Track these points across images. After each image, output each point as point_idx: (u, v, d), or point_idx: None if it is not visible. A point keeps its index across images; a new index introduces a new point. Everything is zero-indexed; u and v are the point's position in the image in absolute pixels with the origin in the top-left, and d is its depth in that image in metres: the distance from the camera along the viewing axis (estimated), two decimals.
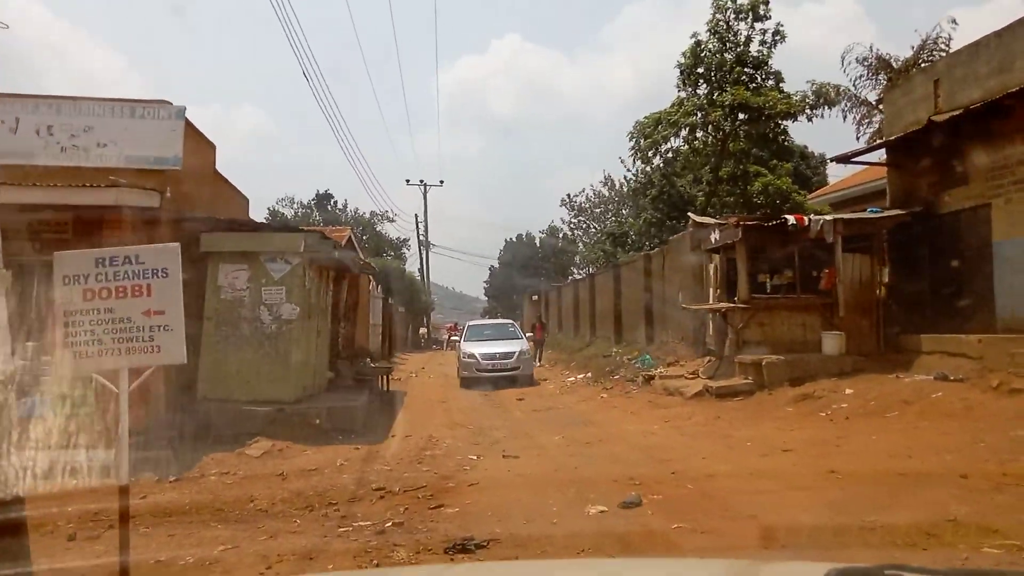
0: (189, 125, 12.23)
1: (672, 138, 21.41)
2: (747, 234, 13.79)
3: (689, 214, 17.49)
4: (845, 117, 25.38)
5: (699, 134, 21.50)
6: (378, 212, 54.19)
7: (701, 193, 23.36)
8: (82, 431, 8.89)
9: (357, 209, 55.60)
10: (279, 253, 11.46)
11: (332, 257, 12.16)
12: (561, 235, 51.79)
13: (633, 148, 21.94)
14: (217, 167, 13.86)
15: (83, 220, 10.29)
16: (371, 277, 27.51)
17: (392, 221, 55.82)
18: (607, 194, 44.71)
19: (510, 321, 24.89)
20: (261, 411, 10.83)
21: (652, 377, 15.33)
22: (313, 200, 52.74)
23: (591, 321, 26.13)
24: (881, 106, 29.86)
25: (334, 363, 14.66)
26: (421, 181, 51.64)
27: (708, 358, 15.31)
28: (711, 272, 15.50)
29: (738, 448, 9.58)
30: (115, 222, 10.16)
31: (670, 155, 22.18)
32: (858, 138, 30.58)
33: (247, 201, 15.61)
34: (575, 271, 48.37)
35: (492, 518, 6.76)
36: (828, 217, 13.84)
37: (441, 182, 57.56)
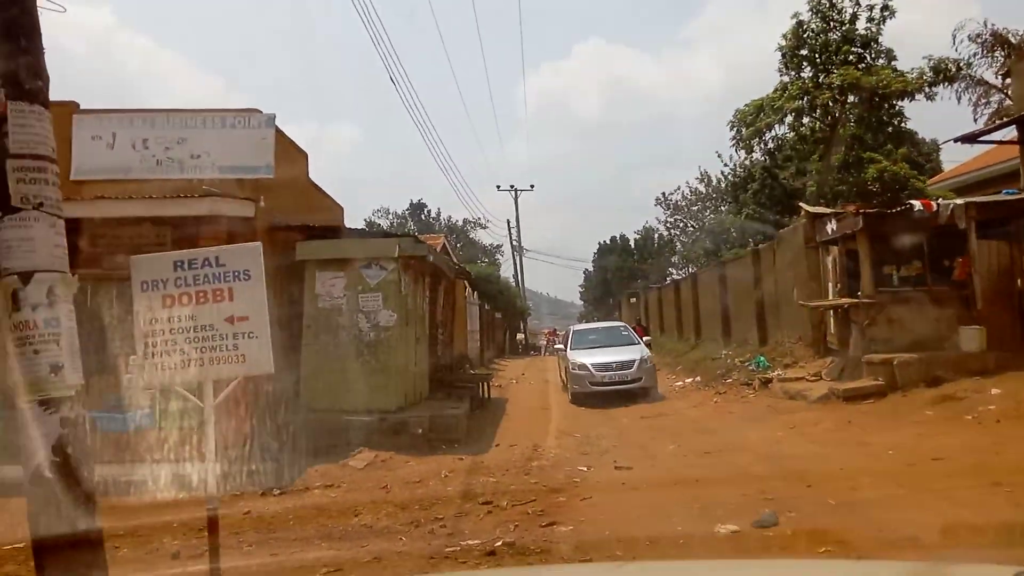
0: (280, 134, 12.14)
1: (776, 125, 20.17)
2: (869, 223, 12.65)
3: (801, 204, 16.35)
4: (959, 99, 23.49)
5: (805, 120, 20.17)
6: (471, 219, 54.40)
7: (809, 184, 21.94)
8: (188, 443, 8.80)
9: (450, 217, 56.02)
10: (374, 259, 11.18)
11: (427, 261, 11.82)
12: (656, 235, 50.50)
13: (734, 138, 20.81)
14: (310, 176, 13.78)
15: (181, 232, 10.26)
16: (467, 283, 27.32)
17: (485, 228, 55.87)
18: (704, 191, 43.23)
19: (621, 323, 20.96)
20: (363, 421, 10.55)
21: (769, 380, 14.31)
22: (407, 210, 53.43)
23: (696, 322, 25.04)
24: (1005, 82, 27.63)
25: (433, 370, 14.33)
26: (512, 186, 51.53)
27: (830, 358, 14.17)
28: (829, 266, 14.37)
29: (879, 457, 8.60)
30: (211, 233, 10.08)
31: (774, 144, 20.82)
32: (976, 120, 28.34)
33: (342, 209, 15.53)
34: (673, 271, 47.04)
35: (611, 539, 6.14)
36: (959, 201, 12.55)
37: (532, 186, 57.34)
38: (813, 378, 13.51)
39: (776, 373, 14.55)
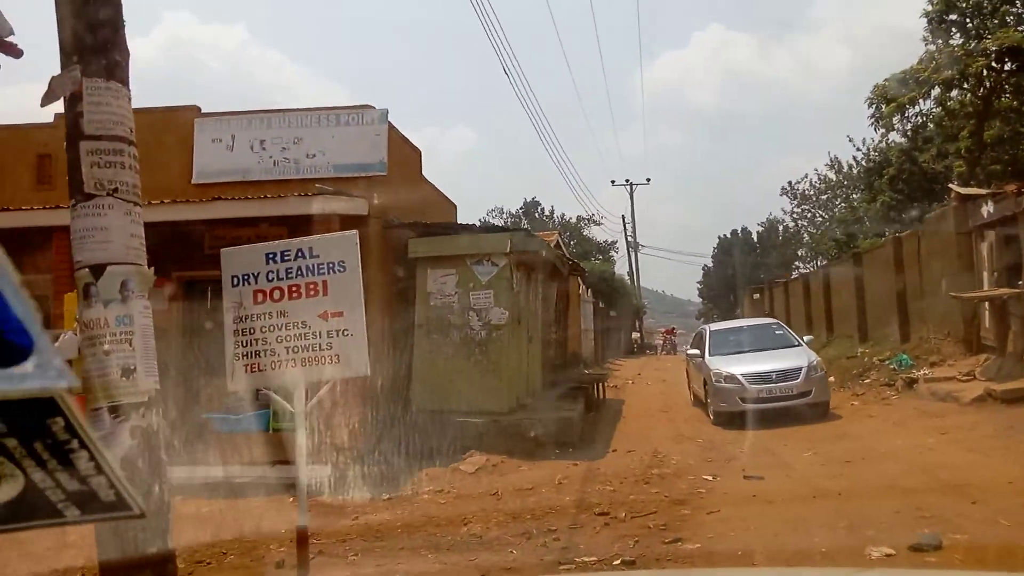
0: (393, 130, 12.03)
1: (920, 100, 18.40)
2: None
3: (951, 186, 14.82)
4: None
5: (954, 92, 18.34)
6: (584, 216, 53.62)
7: (957, 164, 20.01)
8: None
9: (564, 214, 55.43)
10: (485, 255, 10.85)
11: (540, 257, 11.39)
12: (782, 227, 48.18)
13: (873, 115, 19.13)
14: (424, 174, 13.64)
15: (296, 232, 10.27)
16: (580, 280, 26.77)
17: (599, 224, 54.96)
18: (834, 178, 40.75)
19: (774, 320, 16.69)
20: (474, 423, 10.23)
21: (914, 380, 13.01)
22: (521, 208, 53.36)
23: (827, 318, 23.41)
24: None
25: (546, 370, 13.90)
26: (627, 180, 50.50)
27: (984, 356, 12.73)
28: (984, 253, 12.91)
29: None
30: (325, 230, 10.03)
31: (919, 121, 19.00)
32: None
33: (455, 207, 15.36)
34: (800, 265, 44.71)
35: (744, 560, 5.49)
36: None
37: (648, 180, 55.62)
38: (965, 378, 12.15)
39: (922, 372, 13.22)
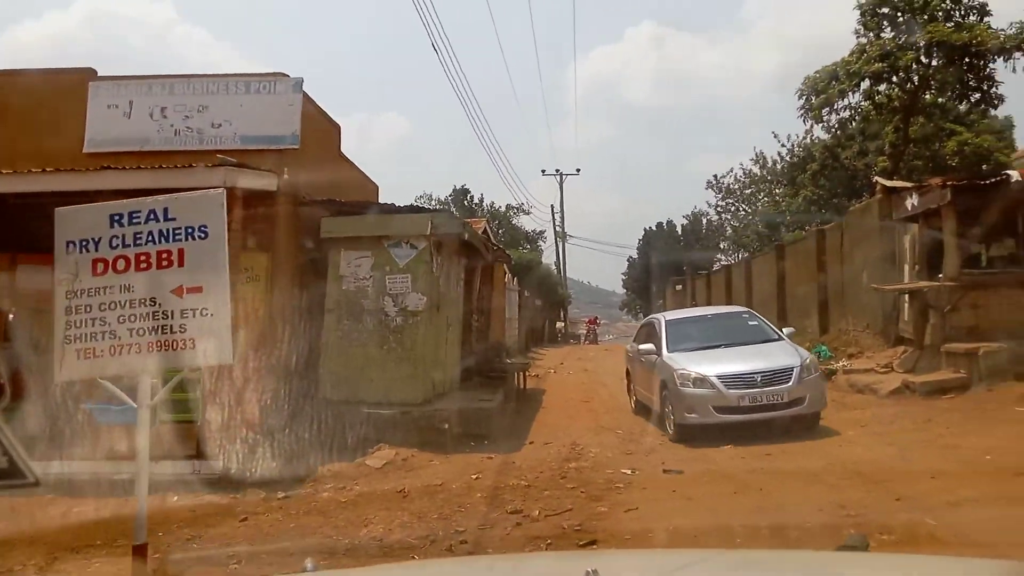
0: (310, 102, 11.28)
1: (850, 93, 18.50)
2: (957, 197, 11.29)
3: (877, 179, 14.91)
4: None
5: (882, 87, 18.52)
6: (514, 205, 53.23)
7: (881, 159, 20.30)
8: (183, 438, 8.01)
9: (493, 203, 54.90)
10: (404, 237, 10.24)
11: (462, 240, 10.83)
12: (706, 220, 48.78)
13: (803, 107, 19.17)
14: (342, 150, 12.90)
15: None
16: (506, 268, 26.33)
17: (528, 213, 54.63)
18: (759, 173, 41.31)
19: (744, 308, 13.68)
20: (385, 414, 9.64)
21: (833, 372, 13.03)
22: (450, 196, 52.51)
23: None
24: None
25: (466, 359, 13.38)
26: (557, 170, 50.43)
27: (903, 348, 12.84)
28: (906, 246, 13.00)
29: (975, 464, 7.38)
30: (228, 207, 9.23)
31: (848, 114, 19.16)
32: None
33: (376, 188, 14.65)
34: (722, 258, 45.31)
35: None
36: None
37: (578, 170, 55.52)
38: (883, 370, 12.22)
39: (841, 364, 13.27)
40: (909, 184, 12.92)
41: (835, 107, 18.85)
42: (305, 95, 11.19)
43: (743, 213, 43.23)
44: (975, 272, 11.57)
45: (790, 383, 9.40)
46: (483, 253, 12.74)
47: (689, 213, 54.95)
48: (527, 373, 16.11)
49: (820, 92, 18.43)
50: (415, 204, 10.36)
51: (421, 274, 10.17)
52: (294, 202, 10.32)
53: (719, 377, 9.54)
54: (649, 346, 11.06)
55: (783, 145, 36.61)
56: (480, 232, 24.07)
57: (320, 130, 11.79)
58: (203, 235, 3.23)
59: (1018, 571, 1.90)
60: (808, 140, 34.48)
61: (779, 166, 38.77)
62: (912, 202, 12.46)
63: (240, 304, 9.01)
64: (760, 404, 9.38)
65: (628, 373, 13.10)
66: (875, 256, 13.87)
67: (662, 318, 12.07)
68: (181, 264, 3.18)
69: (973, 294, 11.52)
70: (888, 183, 13.71)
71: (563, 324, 50.78)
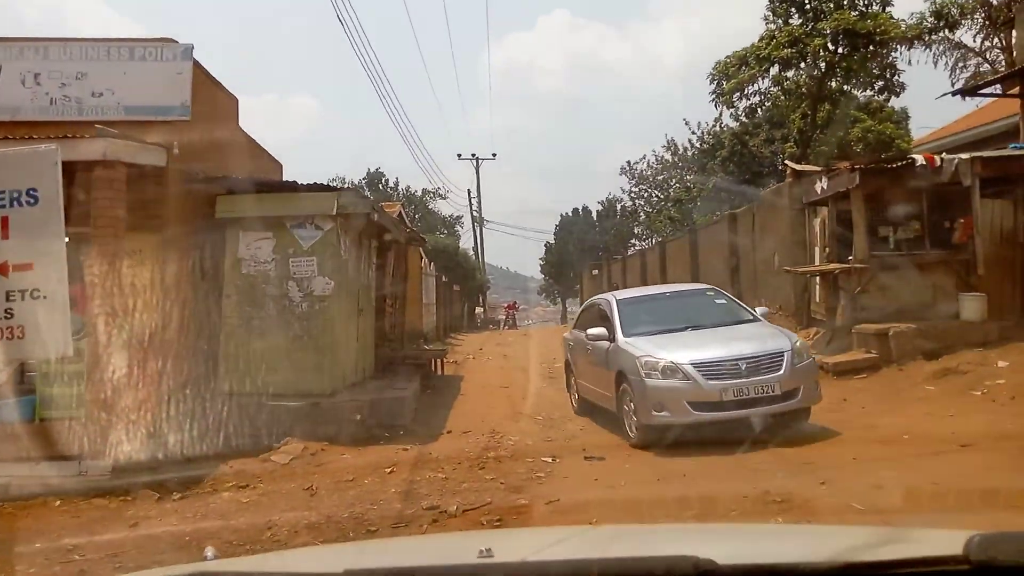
0: (203, 72, 10.49)
1: (760, 79, 18.72)
2: (865, 180, 11.44)
3: (787, 163, 15.11)
4: (936, 63, 22.41)
5: (790, 73, 18.83)
6: (430, 190, 52.50)
7: (788, 145, 20.70)
8: (66, 436, 7.26)
9: (409, 187, 54.01)
10: (308, 217, 9.62)
11: (373, 221, 10.27)
12: (620, 206, 49.24)
13: (714, 92, 19.32)
14: (241, 126, 12.10)
15: (73, 182, 8.62)
16: (423, 253, 25.76)
17: (444, 198, 54.00)
18: (670, 159, 41.97)
19: (707, 286, 11.52)
20: (292, 406, 9.05)
21: None
22: (364, 179, 51.30)
23: None
24: (982, 46, 26.74)
25: (381, 346, 12.85)
26: (473, 155, 49.94)
27: (815, 329, 13.03)
28: (816, 229, 13.17)
29: (895, 443, 7.41)
30: (108, 182, 8.42)
31: (758, 99, 19.41)
32: (952, 84, 27.57)
33: (280, 166, 13.87)
34: (636, 243, 45.90)
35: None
36: (964, 156, 11.37)
37: (494, 155, 55.43)
38: None
39: None
40: (818, 168, 13.07)
41: (745, 92, 19.08)
42: (198, 65, 10.42)
43: (655, 199, 43.88)
44: (883, 254, 11.77)
45: (781, 371, 7.80)
46: (396, 235, 12.21)
47: (604, 199, 55.43)
48: (445, 360, 15.65)
49: (731, 77, 18.60)
50: (321, 183, 9.72)
51: (328, 257, 9.59)
52: (186, 179, 9.53)
53: (695, 365, 7.85)
54: (599, 330, 9.25)
55: (693, 132, 37.43)
56: (395, 216, 23.46)
57: (215, 102, 10.99)
58: (32, 200, 2.68)
59: (892, 536, 1.98)
60: (718, 127, 35.44)
61: (690, 153, 39.56)
62: (822, 186, 12.59)
63: (128, 290, 8.29)
64: (746, 398, 7.71)
65: (568, 365, 11.13)
66: (786, 239, 14.03)
67: (611, 298, 10.07)
68: (5, 236, 2.61)
69: (882, 276, 11.73)
70: (798, 167, 13.87)
71: (482, 309, 50.55)
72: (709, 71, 18.99)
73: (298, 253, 9.58)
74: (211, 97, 10.90)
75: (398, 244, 14.16)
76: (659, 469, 7.16)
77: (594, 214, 57.13)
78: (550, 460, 7.74)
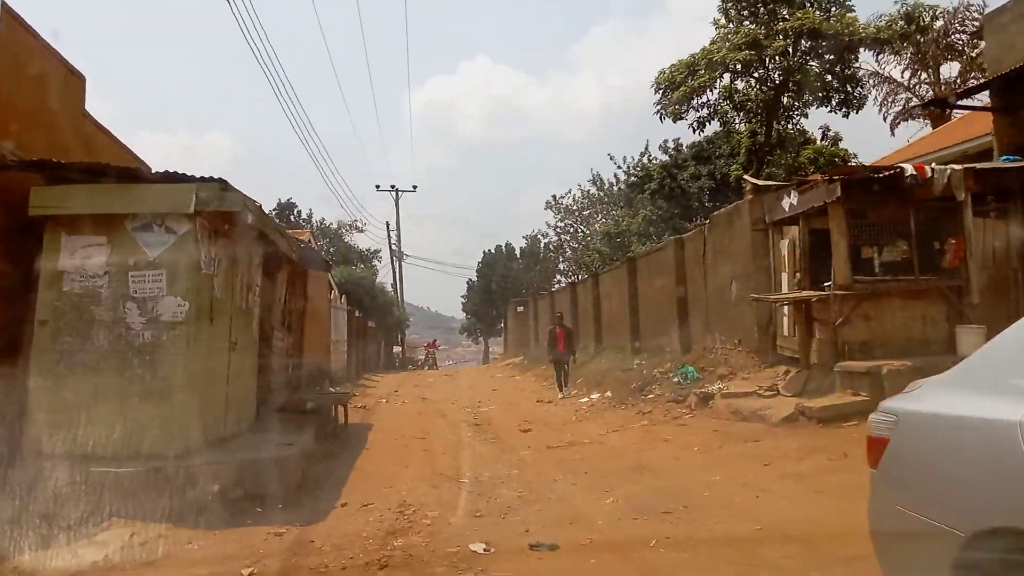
0: (25, 31, 8.02)
1: (709, 90, 17.15)
2: (847, 193, 9.78)
3: (746, 177, 13.47)
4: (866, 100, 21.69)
5: (741, 85, 17.40)
6: (346, 222, 49.90)
7: (734, 168, 19.26)
8: None
9: (323, 219, 51.29)
10: (157, 216, 7.22)
11: (250, 226, 7.90)
12: (545, 241, 47.60)
13: (659, 103, 17.65)
14: (88, 112, 9.58)
15: None
16: (332, 283, 23.25)
17: (361, 231, 51.55)
18: (597, 194, 40.67)
19: None
20: (124, 473, 6.54)
21: (710, 396, 11.20)
22: (274, 210, 48.22)
23: (596, 329, 21.97)
24: (911, 81, 26.40)
25: (267, 390, 10.36)
26: (392, 186, 48.12)
27: (784, 368, 11.23)
28: (783, 252, 11.45)
29: None
30: None
31: (705, 112, 17.82)
32: (884, 119, 27.18)
33: (148, 170, 11.30)
34: (561, 279, 44.22)
35: None
36: (956, 167, 9.86)
37: (414, 187, 53.62)
38: (768, 393, 10.49)
39: (716, 387, 11.46)
40: (784, 183, 11.44)
41: (692, 103, 17.50)
42: (28, 28, 7.99)
43: (581, 234, 42.47)
44: (868, 279, 10.09)
45: None
46: (285, 250, 9.81)
47: (527, 234, 54.00)
48: (347, 405, 13.18)
49: (678, 85, 17.00)
50: (178, 172, 7.32)
51: (183, 270, 7.18)
52: None
53: None
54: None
55: (619, 167, 36.64)
56: (305, 241, 20.94)
57: (47, 77, 8.50)
58: None
59: None
60: (646, 160, 34.46)
61: (616, 188, 38.47)
62: (791, 202, 10.93)
63: None
64: None
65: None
66: (746, 265, 12.29)
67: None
68: None
69: (866, 304, 10.05)
70: (759, 182, 12.23)
71: (401, 348, 48.03)
72: (652, 80, 17.39)
73: (141, 264, 7.14)
74: (42, 69, 8.42)
75: (294, 265, 11.74)
76: (632, 562, 4.99)
77: (517, 251, 55.60)
78: (481, 550, 5.50)
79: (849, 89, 17.11)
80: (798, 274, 10.92)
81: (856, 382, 9.47)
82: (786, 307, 11.30)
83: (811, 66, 16.58)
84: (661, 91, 17.15)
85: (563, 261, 45.23)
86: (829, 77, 16.80)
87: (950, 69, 26.08)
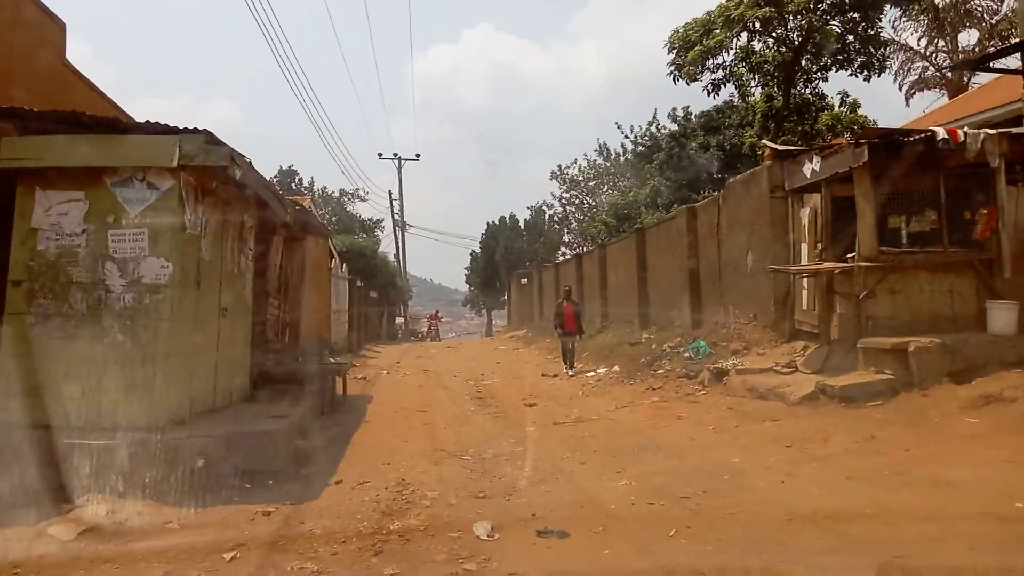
0: None
1: (725, 51, 16.36)
2: (875, 157, 9.20)
3: (765, 142, 12.84)
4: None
5: (758, 46, 16.67)
6: (348, 191, 49.30)
7: (749, 135, 18.59)
8: None
9: (325, 187, 50.72)
10: (138, 171, 6.69)
11: (236, 182, 7.36)
12: (550, 214, 46.90)
13: (673, 64, 16.89)
14: (69, 61, 9.01)
15: None
16: (333, 251, 22.76)
17: (364, 200, 50.91)
18: (604, 164, 39.94)
19: None
20: (98, 446, 6.08)
21: (724, 372, 10.71)
22: (275, 177, 47.59)
23: (603, 302, 21.45)
24: (928, 49, 25.60)
25: (259, 359, 9.88)
26: (395, 154, 47.51)
27: (802, 344, 10.73)
28: (804, 220, 10.88)
29: (971, 501, 5.00)
30: None
31: (721, 74, 17.05)
32: (900, 88, 26.42)
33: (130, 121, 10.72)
34: (566, 251, 43.62)
35: None
36: (990, 131, 9.27)
37: (417, 156, 52.61)
38: (786, 370, 10.01)
39: (731, 362, 10.97)
40: (807, 147, 10.85)
41: (707, 65, 16.71)
42: None
43: (587, 206, 41.81)
44: (895, 251, 9.55)
45: None
46: (279, 213, 9.28)
47: (531, 206, 53.33)
48: (348, 376, 12.74)
49: (693, 44, 16.21)
50: (158, 123, 6.79)
51: (166, 229, 6.68)
52: None
53: None
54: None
55: (627, 136, 35.97)
56: (301, 206, 20.38)
57: (23, 22, 7.93)
58: None
59: None
60: (654, 129, 33.77)
61: (623, 159, 37.76)
62: (812, 167, 10.35)
63: None
64: None
65: None
66: (764, 234, 11.73)
67: None
68: None
69: (892, 277, 9.52)
70: (779, 147, 11.61)
71: (403, 320, 47.67)
72: (666, 40, 16.62)
73: (122, 223, 6.63)
74: (14, 12, 7.86)
75: (290, 229, 11.23)
76: (649, 554, 4.53)
77: (522, 222, 54.97)
78: (485, 535, 5.05)
79: (872, 50, 16.37)
80: (819, 244, 10.38)
81: (880, 359, 8.97)
82: (806, 279, 10.76)
83: (833, 25, 15.83)
84: (675, 51, 16.38)
85: (568, 233, 44.65)
86: (851, 38, 16.09)
87: (968, 36, 25.28)
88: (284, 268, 11.45)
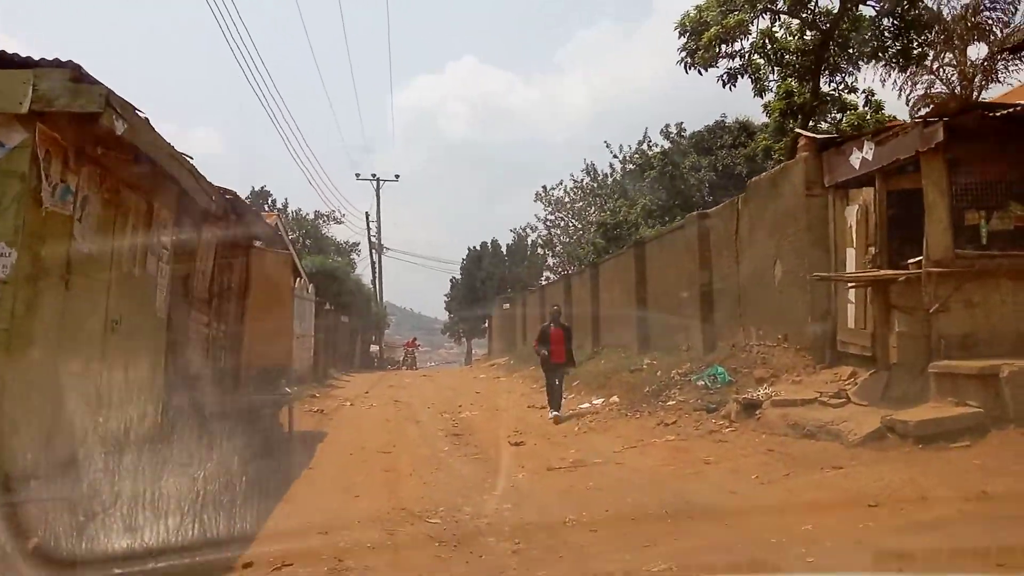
0: None
1: (741, 38, 14.54)
2: (952, 134, 7.40)
3: (800, 132, 11.03)
4: (884, 82, 19.47)
5: (779, 32, 14.93)
6: (323, 213, 47.27)
7: (762, 138, 16.89)
8: None
9: (299, 209, 48.62)
10: None
11: (126, 143, 5.36)
12: (534, 235, 45.07)
13: (684, 50, 15.06)
14: None
15: None
16: (298, 269, 20.70)
17: (340, 222, 48.95)
18: (591, 184, 38.31)
19: None
20: None
21: (757, 405, 8.77)
22: (248, 198, 45.48)
23: (593, 325, 19.52)
24: (934, 65, 24.22)
25: (180, 388, 7.82)
26: (373, 175, 45.73)
27: (850, 369, 8.82)
28: (850, 221, 9.03)
29: None
30: None
31: (738, 63, 15.26)
32: (907, 103, 25.03)
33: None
34: (550, 276, 41.80)
35: None
36: None
37: (396, 176, 50.69)
38: (836, 401, 8.10)
39: (763, 392, 9.04)
40: (854, 133, 9.07)
41: (722, 51, 14.90)
42: None
43: (573, 228, 40.13)
44: (974, 254, 7.72)
45: None
46: (196, 196, 7.24)
47: (514, 229, 51.72)
48: (299, 408, 10.67)
49: (708, 25, 14.39)
50: (3, 51, 4.85)
51: (9, 201, 4.67)
52: None
53: None
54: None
55: (615, 156, 34.75)
56: (272, 224, 18.41)
57: None
58: None
59: None
60: (645, 147, 32.42)
61: (611, 179, 36.36)
62: (863, 156, 8.55)
63: None
64: None
65: None
66: (797, 239, 9.86)
67: None
68: None
69: (969, 286, 7.67)
70: (819, 136, 9.82)
71: (379, 347, 45.49)
72: (675, 22, 14.80)
73: None
74: None
75: (228, 227, 9.23)
76: None
77: (504, 247, 53.32)
78: None
79: (913, 36, 14.67)
80: (871, 249, 8.53)
81: (961, 388, 7.10)
82: (852, 291, 8.89)
83: (869, 4, 14.17)
84: (688, 34, 14.56)
85: (552, 256, 42.89)
86: (886, 21, 14.46)
87: (977, 50, 24.06)
88: (218, 277, 9.43)
